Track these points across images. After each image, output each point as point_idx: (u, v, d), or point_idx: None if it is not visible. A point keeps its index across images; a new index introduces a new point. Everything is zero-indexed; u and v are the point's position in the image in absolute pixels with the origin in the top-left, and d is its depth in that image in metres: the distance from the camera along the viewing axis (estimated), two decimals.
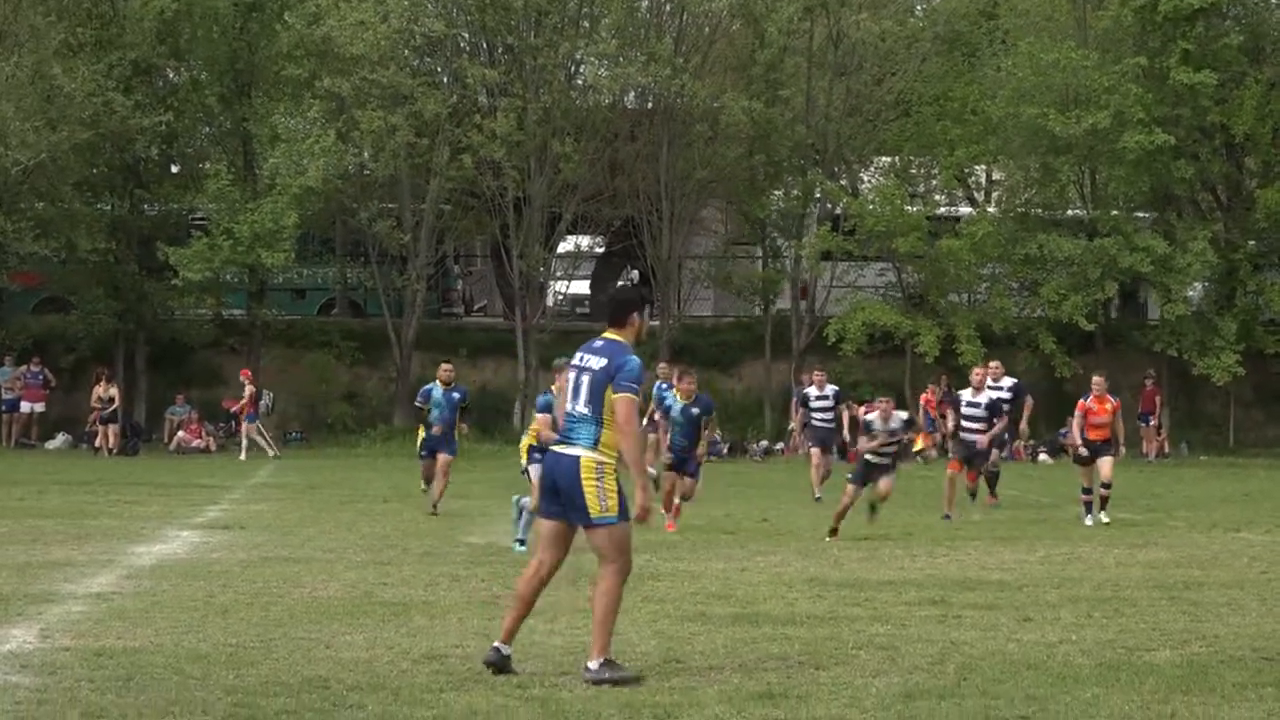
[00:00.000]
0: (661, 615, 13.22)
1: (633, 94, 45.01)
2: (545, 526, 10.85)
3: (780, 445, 41.53)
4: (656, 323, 42.33)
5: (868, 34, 44.10)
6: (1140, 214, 44.50)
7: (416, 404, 24.76)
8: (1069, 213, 44.52)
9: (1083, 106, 41.60)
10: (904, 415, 20.99)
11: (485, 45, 44.72)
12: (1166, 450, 41.60)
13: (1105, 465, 22.63)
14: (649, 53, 42.76)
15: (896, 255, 43.81)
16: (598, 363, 10.81)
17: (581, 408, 10.79)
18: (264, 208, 39.54)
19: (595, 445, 10.67)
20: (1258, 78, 43.00)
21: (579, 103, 44.00)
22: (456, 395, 23.83)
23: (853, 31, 44.05)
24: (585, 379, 10.83)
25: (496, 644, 10.64)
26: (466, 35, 45.07)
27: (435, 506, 23.10)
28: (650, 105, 45.04)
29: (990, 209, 45.81)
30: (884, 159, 47.13)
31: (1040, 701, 9.88)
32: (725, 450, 40.27)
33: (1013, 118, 42.38)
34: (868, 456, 20.36)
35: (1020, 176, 44.68)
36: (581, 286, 49.78)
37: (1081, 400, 23.41)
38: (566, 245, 48.00)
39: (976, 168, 46.91)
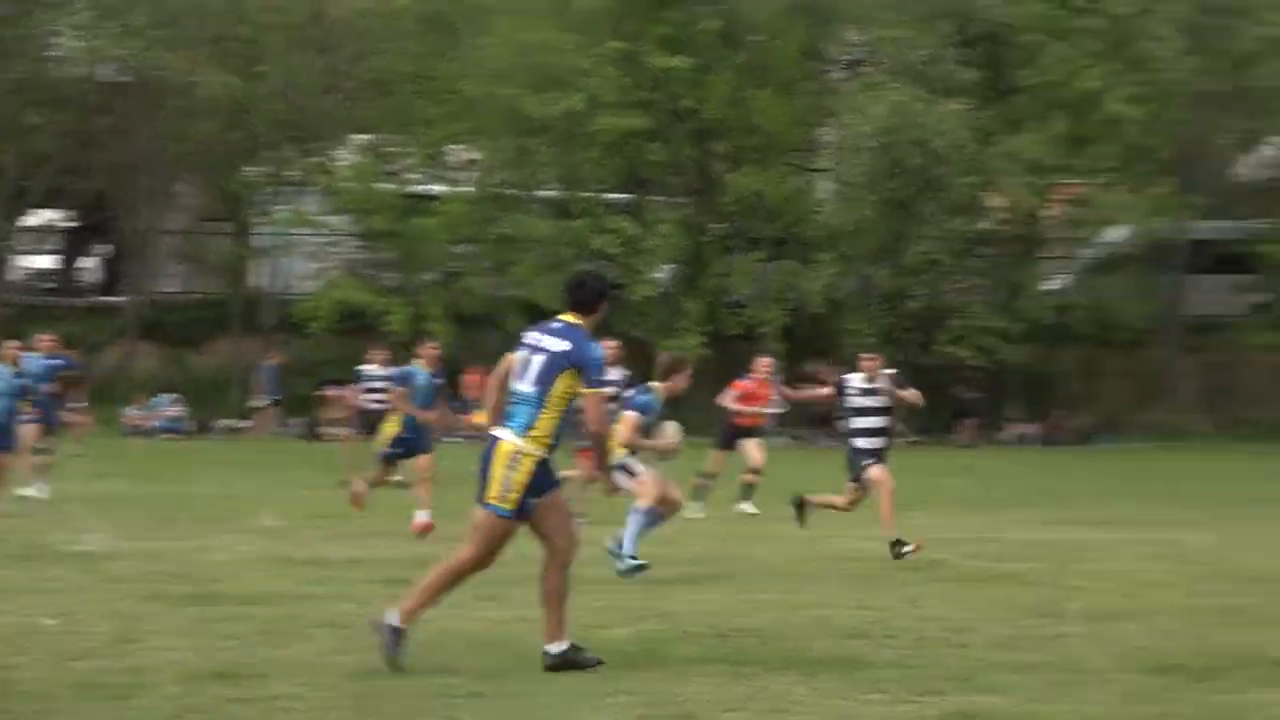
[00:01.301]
0: (118, 595, 13.08)
1: (110, 67, 44.12)
2: (477, 512, 10.68)
3: (249, 423, 41.41)
4: None
5: (348, 11, 44.28)
6: (612, 196, 45.75)
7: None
8: (542, 193, 45.55)
9: (559, 88, 42.52)
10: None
11: None
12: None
13: (753, 449, 22.90)
14: (124, 25, 41.96)
15: (369, 233, 44.04)
16: (557, 345, 10.57)
17: (527, 387, 10.56)
18: None
19: (526, 431, 10.47)
20: (731, 64, 44.75)
21: (54, 74, 43.00)
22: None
23: (333, 8, 44.17)
24: (539, 359, 10.59)
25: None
26: None
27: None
28: (126, 78, 44.17)
29: (465, 188, 46.54)
30: (361, 136, 47.35)
31: (497, 678, 10.19)
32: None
33: (490, 98, 43.03)
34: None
35: (496, 156, 45.35)
36: (49, 261, 48.75)
37: (739, 380, 23.47)
38: (34, 219, 46.93)
39: (453, 147, 47.50)
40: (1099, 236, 47.77)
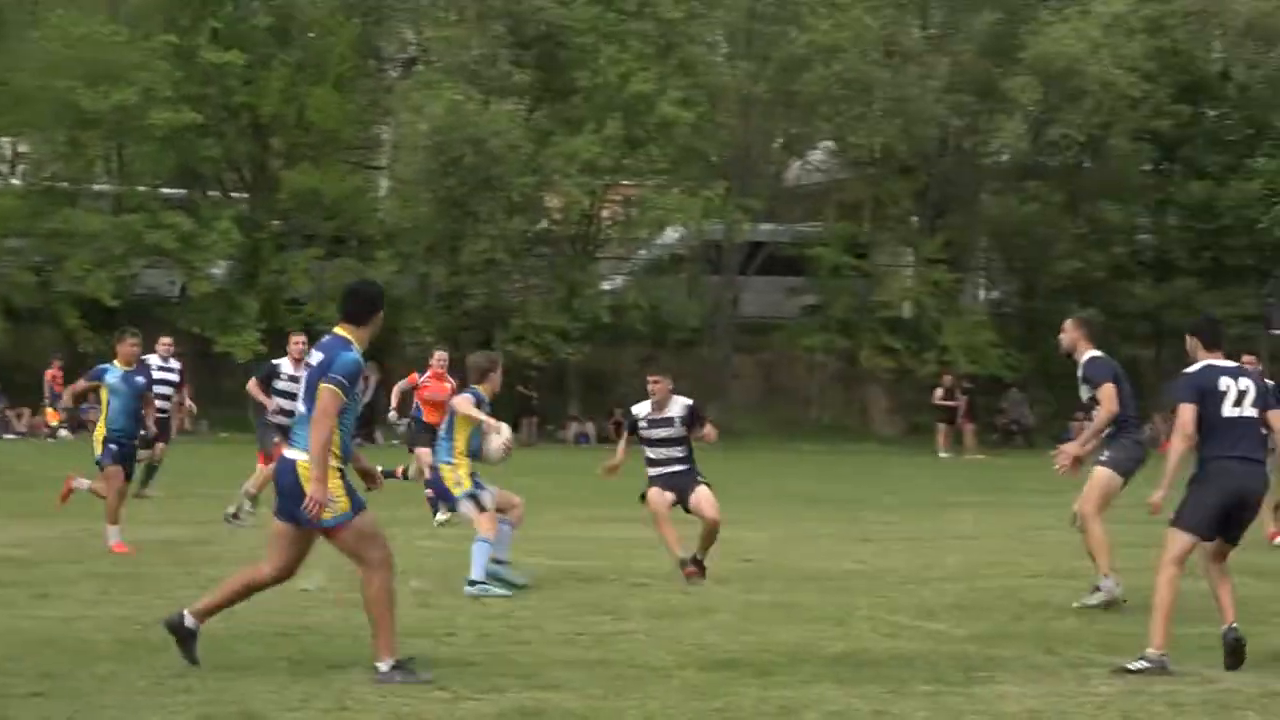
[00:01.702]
0: None
1: None
2: (276, 527, 11.28)
3: None
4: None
5: None
6: (168, 190, 48.54)
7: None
8: (97, 187, 47.95)
9: (112, 82, 44.86)
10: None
11: None
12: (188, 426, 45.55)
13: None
14: None
15: None
16: (316, 358, 11.17)
17: (302, 406, 11.23)
18: None
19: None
20: (285, 60, 47.92)
21: None
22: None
23: None
24: (304, 377, 11.38)
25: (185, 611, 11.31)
26: None
27: None
28: None
29: (15, 181, 48.65)
30: None
31: (56, 678, 10.73)
32: None
33: (41, 90, 45.23)
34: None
35: (48, 149, 47.39)
36: None
37: (415, 374, 24.39)
38: None
39: (2, 140, 49.35)
40: (654, 237, 51.57)
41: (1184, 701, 10.72)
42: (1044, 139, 52.16)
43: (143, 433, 19.97)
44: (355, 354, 11.04)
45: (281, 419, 21.44)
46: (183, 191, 48.75)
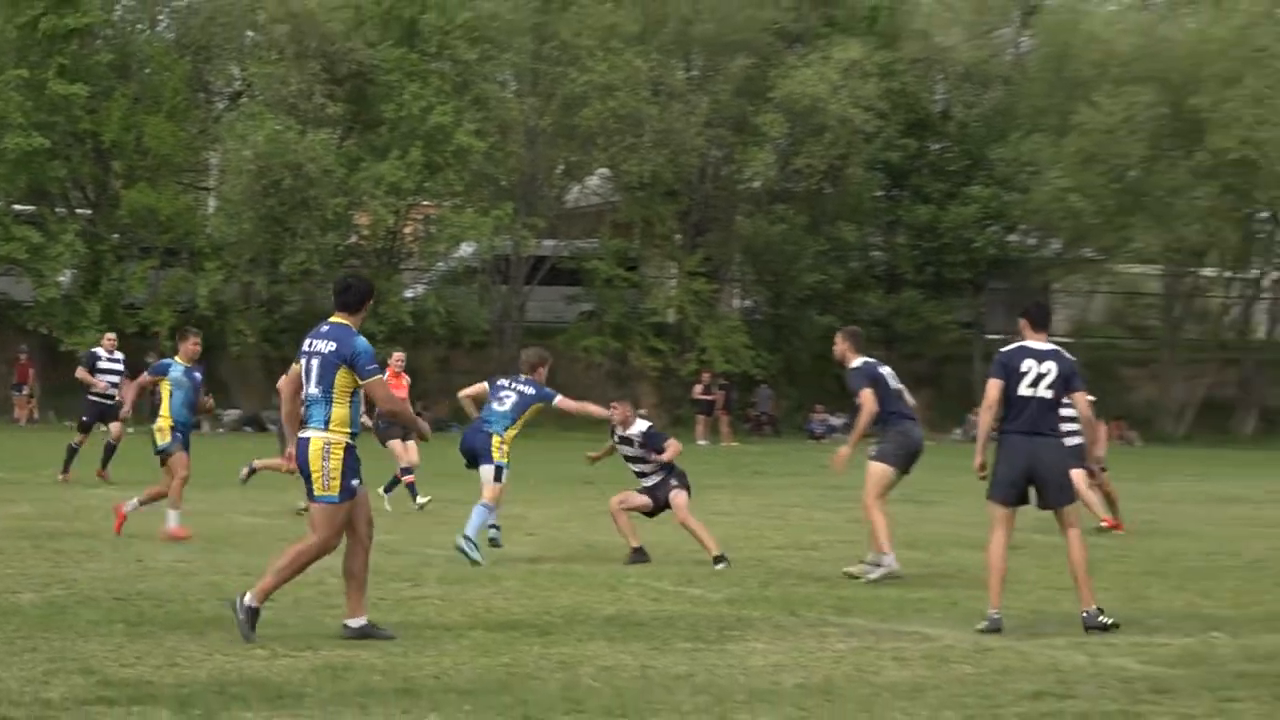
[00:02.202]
0: None
1: None
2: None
3: None
4: None
5: None
6: (19, 207, 47.97)
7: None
8: None
9: None
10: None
11: None
12: (36, 416, 45.06)
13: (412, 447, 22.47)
14: None
15: None
16: (326, 346, 11.13)
17: (313, 389, 11.13)
18: None
19: (326, 425, 11.06)
20: (125, 92, 47.47)
21: None
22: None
23: None
24: (315, 362, 11.16)
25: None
26: None
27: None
28: None
29: None
30: None
31: None
32: None
33: None
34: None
35: None
36: None
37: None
38: None
39: None
40: (451, 252, 51.36)
41: (908, 656, 10.90)
42: (790, 168, 52.84)
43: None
44: (363, 338, 11.15)
45: (104, 399, 24.95)
46: (32, 208, 48.25)
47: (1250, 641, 11.53)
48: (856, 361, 15.71)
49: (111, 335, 27.46)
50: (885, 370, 15.90)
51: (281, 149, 45.54)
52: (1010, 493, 12.27)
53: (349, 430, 11.07)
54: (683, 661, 10.57)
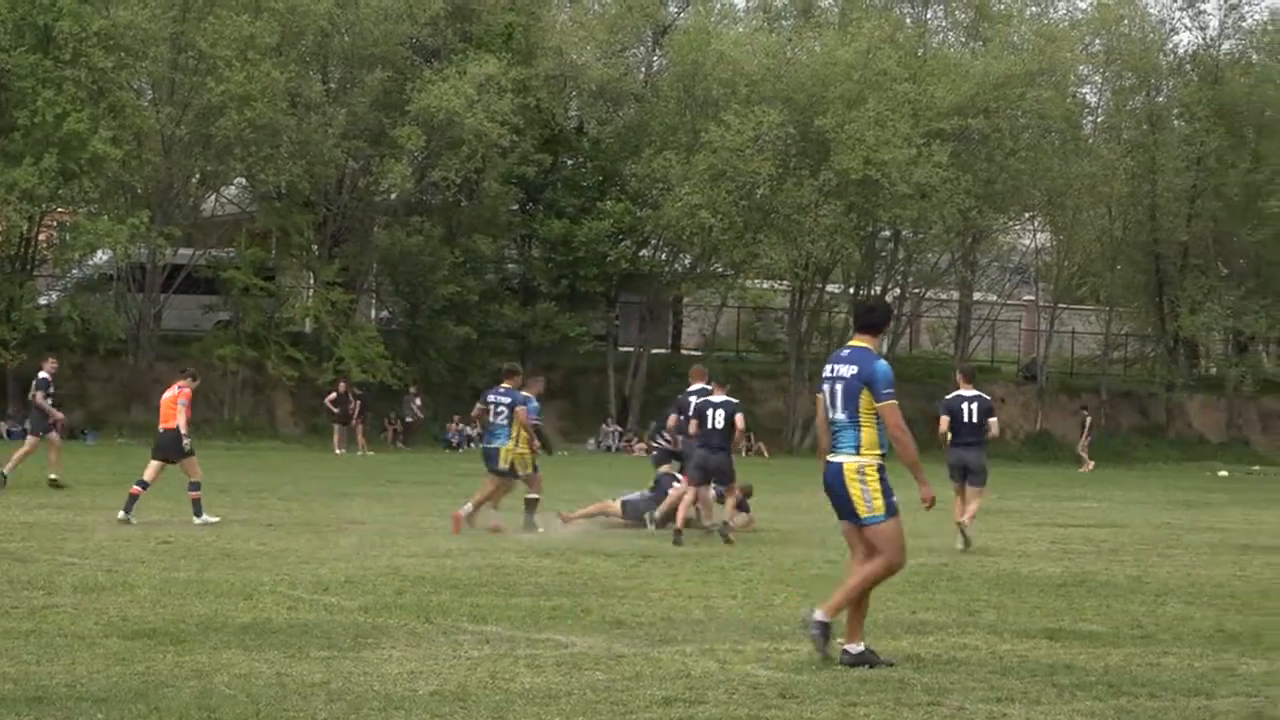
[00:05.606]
0: None
1: None
2: (843, 527, 11.46)
3: None
4: None
5: None
6: None
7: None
8: None
9: None
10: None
11: None
12: None
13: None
14: None
15: None
16: (848, 370, 11.24)
17: (840, 415, 11.26)
18: None
19: (857, 450, 11.19)
20: None
21: None
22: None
23: None
24: (840, 387, 11.26)
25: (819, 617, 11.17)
26: None
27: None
28: None
29: None
30: None
31: None
32: None
33: None
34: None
35: None
36: None
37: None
38: None
39: None
40: (86, 259, 50.46)
41: (542, 663, 11.01)
42: (427, 180, 52.96)
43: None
44: (883, 361, 11.32)
45: None
46: None
47: (878, 645, 11.79)
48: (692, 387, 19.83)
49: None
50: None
51: None
52: None
53: (879, 451, 11.20)
54: (318, 669, 10.54)
